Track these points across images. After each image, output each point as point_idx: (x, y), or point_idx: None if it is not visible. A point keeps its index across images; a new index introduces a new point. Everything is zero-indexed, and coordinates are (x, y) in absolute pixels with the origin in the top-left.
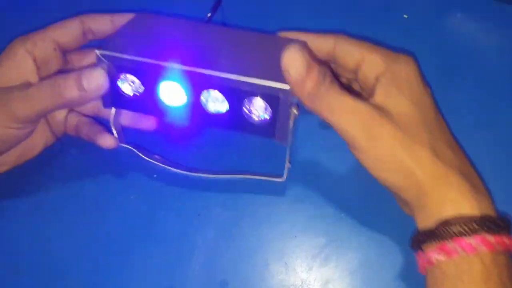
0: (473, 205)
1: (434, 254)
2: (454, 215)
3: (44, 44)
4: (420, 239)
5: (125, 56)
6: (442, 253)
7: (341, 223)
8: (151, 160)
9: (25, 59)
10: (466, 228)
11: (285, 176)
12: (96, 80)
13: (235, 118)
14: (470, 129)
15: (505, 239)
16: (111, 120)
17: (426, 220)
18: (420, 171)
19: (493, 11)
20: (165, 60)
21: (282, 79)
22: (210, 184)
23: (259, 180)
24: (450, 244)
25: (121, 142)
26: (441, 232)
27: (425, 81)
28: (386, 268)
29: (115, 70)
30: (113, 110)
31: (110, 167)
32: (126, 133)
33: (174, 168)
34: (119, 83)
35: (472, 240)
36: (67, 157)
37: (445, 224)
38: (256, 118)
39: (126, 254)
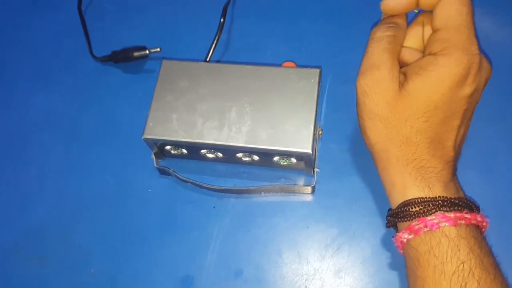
0: (430, 188)
1: (404, 234)
2: (414, 198)
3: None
4: (390, 219)
5: (168, 138)
6: (410, 232)
7: (353, 214)
8: (188, 180)
9: None
10: (423, 208)
11: (314, 181)
12: None
13: (265, 162)
14: (485, 123)
15: (466, 215)
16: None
17: (393, 204)
18: (393, 155)
19: (510, 5)
20: (202, 137)
21: (303, 143)
22: (224, 177)
23: (274, 173)
24: (415, 223)
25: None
26: (403, 212)
27: (469, 87)
28: (397, 257)
29: (163, 144)
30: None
31: (129, 163)
32: None
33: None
34: (167, 148)
35: (434, 218)
36: (89, 153)
37: (406, 205)
38: (284, 163)
39: (144, 245)
